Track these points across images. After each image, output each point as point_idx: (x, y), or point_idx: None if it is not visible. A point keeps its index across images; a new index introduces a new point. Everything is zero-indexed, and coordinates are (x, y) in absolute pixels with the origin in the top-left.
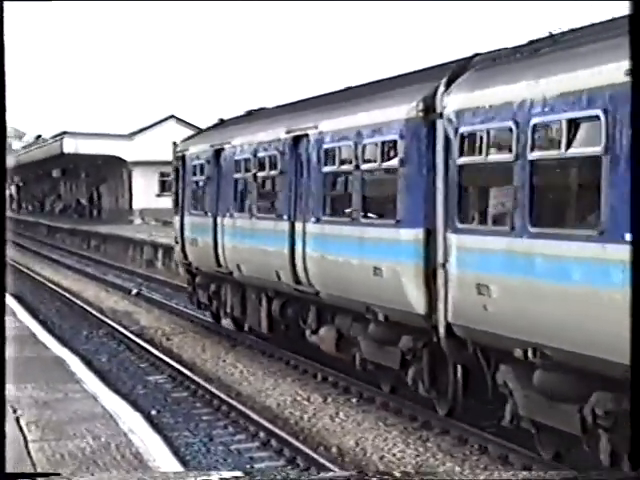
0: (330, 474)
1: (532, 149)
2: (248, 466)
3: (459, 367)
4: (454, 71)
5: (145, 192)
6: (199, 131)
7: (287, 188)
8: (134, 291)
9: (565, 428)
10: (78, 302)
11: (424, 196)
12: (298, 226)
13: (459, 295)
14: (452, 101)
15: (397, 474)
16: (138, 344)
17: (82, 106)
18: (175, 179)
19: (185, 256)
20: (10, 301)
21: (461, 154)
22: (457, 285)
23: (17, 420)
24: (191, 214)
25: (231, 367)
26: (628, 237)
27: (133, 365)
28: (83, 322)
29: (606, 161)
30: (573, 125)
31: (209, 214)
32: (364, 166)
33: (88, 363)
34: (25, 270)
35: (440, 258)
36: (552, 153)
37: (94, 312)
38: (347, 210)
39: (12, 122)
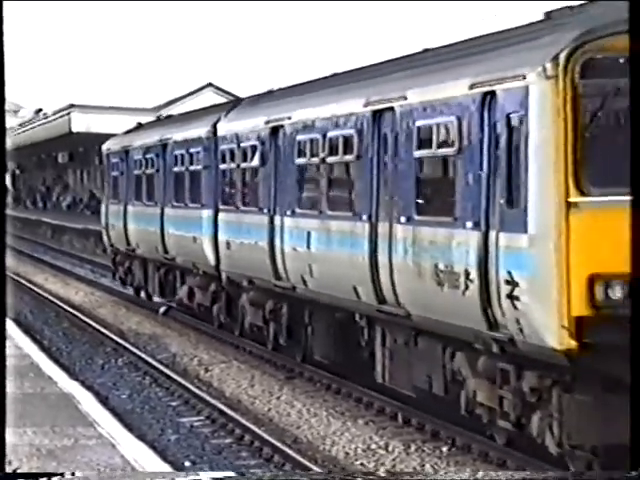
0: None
1: (242, 161)
2: None
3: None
4: (230, 107)
5: None
6: (122, 133)
7: (159, 182)
8: (163, 308)
9: (259, 323)
10: (91, 323)
11: (214, 188)
12: (166, 210)
13: (223, 251)
14: (220, 128)
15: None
16: (168, 376)
17: (93, 73)
18: (102, 174)
19: (109, 239)
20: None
21: (221, 162)
22: (221, 244)
23: (13, 475)
24: (112, 203)
25: (287, 406)
26: (267, 211)
27: (161, 403)
28: (98, 348)
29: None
30: (252, 149)
31: (121, 203)
32: (191, 167)
33: (104, 401)
34: (24, 282)
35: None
36: (245, 165)
37: (112, 336)
38: (182, 198)
39: (6, 93)
